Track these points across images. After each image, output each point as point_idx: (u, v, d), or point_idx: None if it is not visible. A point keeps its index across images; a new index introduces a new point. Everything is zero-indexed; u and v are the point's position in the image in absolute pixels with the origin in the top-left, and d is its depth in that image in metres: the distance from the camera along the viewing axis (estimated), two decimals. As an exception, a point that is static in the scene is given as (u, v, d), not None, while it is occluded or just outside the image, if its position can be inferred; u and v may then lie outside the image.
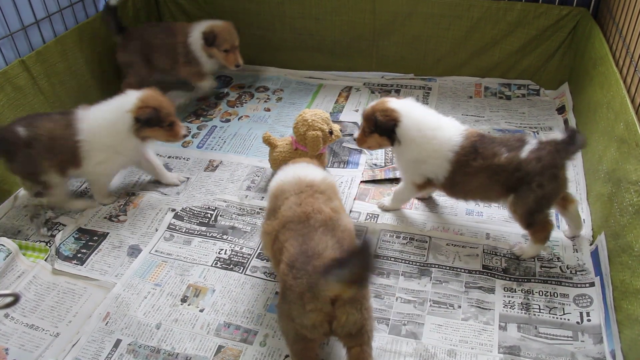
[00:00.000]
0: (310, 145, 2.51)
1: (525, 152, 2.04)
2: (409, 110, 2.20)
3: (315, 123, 2.51)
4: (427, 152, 2.17)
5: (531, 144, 2.06)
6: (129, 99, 2.41)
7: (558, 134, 2.06)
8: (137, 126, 2.40)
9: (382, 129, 2.22)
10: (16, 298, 1.78)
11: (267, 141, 2.66)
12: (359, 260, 1.45)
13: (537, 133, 2.97)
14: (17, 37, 2.76)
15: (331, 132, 2.56)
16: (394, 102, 2.22)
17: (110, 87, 3.32)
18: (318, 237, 1.69)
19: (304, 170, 1.99)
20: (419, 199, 2.58)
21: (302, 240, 1.70)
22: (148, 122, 2.40)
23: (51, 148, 2.39)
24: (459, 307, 2.05)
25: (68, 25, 3.08)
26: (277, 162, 2.62)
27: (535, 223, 2.14)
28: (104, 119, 2.41)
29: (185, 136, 2.57)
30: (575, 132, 2.05)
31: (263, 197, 2.63)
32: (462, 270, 2.20)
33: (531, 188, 2.05)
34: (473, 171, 2.12)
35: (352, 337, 1.64)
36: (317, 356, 1.73)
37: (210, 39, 3.13)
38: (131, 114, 2.37)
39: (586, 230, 2.34)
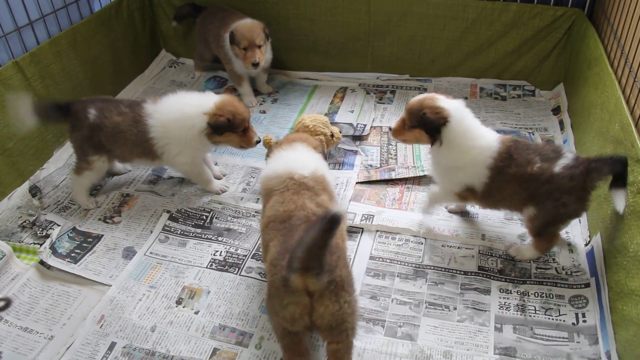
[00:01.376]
0: None
1: (558, 167, 2.00)
2: (459, 112, 2.10)
3: (317, 128, 2.50)
4: (467, 159, 2.10)
5: (566, 158, 2.01)
6: (207, 101, 2.42)
7: (600, 160, 2.00)
8: (209, 131, 2.41)
9: (428, 126, 2.11)
10: (7, 302, 1.78)
11: (268, 144, 2.64)
12: (302, 247, 1.49)
13: (533, 134, 2.97)
14: (10, 38, 2.74)
15: (332, 135, 2.55)
16: (444, 101, 2.12)
17: (104, 89, 3.32)
18: (298, 234, 1.68)
19: (294, 161, 1.96)
20: (451, 211, 2.51)
21: (283, 240, 1.72)
22: (220, 130, 2.40)
23: (114, 140, 2.47)
24: (455, 308, 2.05)
25: (62, 26, 3.06)
26: None
27: (545, 234, 2.14)
28: (181, 112, 2.41)
29: (258, 142, 2.53)
30: (615, 160, 1.98)
31: (258, 199, 2.63)
32: (458, 272, 2.20)
33: (555, 205, 2.02)
34: (508, 178, 2.07)
35: (333, 331, 1.64)
36: (306, 351, 1.72)
37: (231, 36, 3.10)
38: (206, 118, 2.38)
39: (582, 231, 2.34)
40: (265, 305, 1.77)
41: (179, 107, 2.42)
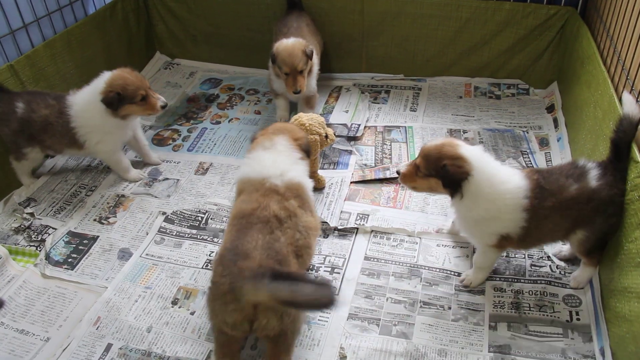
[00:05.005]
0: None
1: (594, 181, 1.90)
2: (482, 161, 1.90)
3: (312, 127, 2.50)
4: (499, 208, 1.90)
5: (594, 169, 1.92)
6: (100, 82, 2.53)
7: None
8: (107, 109, 2.51)
9: (449, 179, 1.91)
10: (0, 304, 1.78)
11: None
12: (312, 293, 1.49)
13: (527, 132, 2.98)
14: (5, 41, 2.74)
15: (326, 136, 2.56)
16: (465, 149, 1.91)
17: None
18: (251, 234, 1.68)
19: (269, 167, 1.89)
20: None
21: (236, 235, 1.70)
22: (113, 105, 2.49)
23: (44, 131, 2.57)
24: (449, 308, 2.06)
25: (57, 29, 3.06)
26: None
27: (598, 248, 2.03)
28: (88, 102, 2.53)
29: (163, 107, 2.61)
30: (620, 139, 1.92)
31: (254, 199, 2.63)
32: (452, 273, 2.21)
33: (605, 219, 1.92)
34: (547, 212, 1.91)
35: (271, 340, 1.67)
36: (238, 351, 1.76)
37: (273, 58, 2.91)
38: (101, 97, 2.49)
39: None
40: (205, 302, 1.76)
41: (87, 95, 2.55)
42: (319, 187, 2.67)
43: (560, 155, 2.77)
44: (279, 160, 1.92)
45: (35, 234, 2.49)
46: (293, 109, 3.22)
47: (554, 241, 2.12)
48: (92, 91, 2.53)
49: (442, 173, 1.90)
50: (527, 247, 2.12)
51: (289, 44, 2.87)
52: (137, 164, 2.90)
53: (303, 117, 2.54)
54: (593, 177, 1.91)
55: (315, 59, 3.03)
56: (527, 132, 2.99)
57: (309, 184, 1.98)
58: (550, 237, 2.05)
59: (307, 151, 2.06)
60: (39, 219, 2.57)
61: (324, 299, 1.49)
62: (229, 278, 1.59)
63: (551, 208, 1.90)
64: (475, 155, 1.90)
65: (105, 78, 2.53)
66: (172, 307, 2.12)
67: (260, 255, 1.62)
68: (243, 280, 1.55)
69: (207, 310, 1.73)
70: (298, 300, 1.52)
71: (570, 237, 2.00)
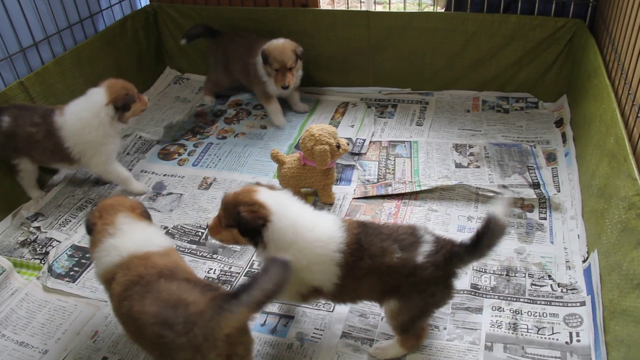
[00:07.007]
0: (318, 159, 2.51)
1: (421, 256, 1.70)
2: (283, 207, 1.76)
3: (322, 137, 2.51)
4: (308, 257, 1.73)
5: (427, 243, 1.73)
6: (98, 94, 2.62)
7: (462, 241, 1.74)
8: (119, 113, 2.64)
9: (244, 227, 1.75)
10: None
11: (275, 158, 2.66)
12: (275, 274, 1.48)
13: (534, 147, 2.92)
14: (15, 59, 2.82)
15: (338, 146, 2.55)
16: (262, 195, 1.77)
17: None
18: (165, 286, 1.59)
19: (128, 246, 1.77)
20: None
21: (151, 296, 1.57)
22: (127, 106, 2.64)
23: (31, 148, 2.63)
24: (444, 328, 2.02)
25: (67, 46, 3.14)
26: (286, 179, 2.64)
27: (412, 330, 1.85)
28: (82, 119, 2.59)
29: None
30: (485, 232, 1.66)
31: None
32: (450, 289, 2.17)
33: (422, 297, 1.75)
34: (363, 273, 1.74)
35: None
36: None
37: (264, 56, 3.11)
38: (111, 105, 2.59)
39: (580, 247, 2.29)
40: None
41: (80, 116, 2.59)
42: (327, 202, 2.67)
43: (567, 170, 2.71)
44: (135, 238, 1.80)
45: (40, 246, 2.54)
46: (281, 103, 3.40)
47: (371, 300, 1.94)
48: (89, 107, 2.60)
49: (238, 220, 1.74)
50: (341, 302, 1.92)
51: (280, 43, 3.12)
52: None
53: (314, 127, 2.55)
54: (423, 252, 1.71)
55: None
56: (535, 147, 2.93)
57: (172, 245, 1.89)
58: (367, 297, 1.89)
59: (148, 216, 1.96)
60: (45, 232, 2.62)
61: (284, 268, 1.49)
62: (196, 329, 1.47)
63: (368, 269, 1.72)
64: (275, 200, 1.76)
65: (100, 90, 2.63)
66: (168, 321, 2.13)
67: (192, 294, 1.54)
68: (211, 319, 1.46)
69: None
70: (273, 290, 1.47)
71: (383, 303, 1.82)
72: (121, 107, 2.62)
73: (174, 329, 1.48)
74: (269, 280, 1.48)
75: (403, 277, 1.71)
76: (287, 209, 1.76)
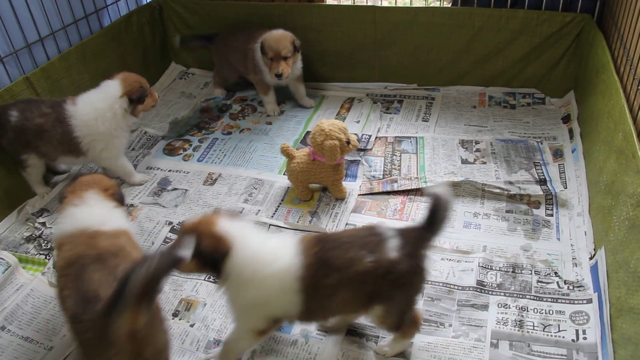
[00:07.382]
0: (328, 154, 2.50)
1: (393, 251, 1.67)
2: (244, 238, 1.68)
3: (332, 132, 2.50)
4: (269, 292, 1.68)
5: (393, 238, 1.70)
6: (112, 87, 2.65)
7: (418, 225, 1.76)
8: (134, 105, 2.67)
9: (205, 258, 1.65)
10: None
11: (285, 152, 2.65)
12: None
13: (541, 143, 2.90)
14: (21, 54, 2.82)
15: (348, 142, 2.54)
16: (223, 225, 1.67)
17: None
18: (89, 275, 1.60)
19: (86, 219, 1.81)
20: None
21: (76, 283, 1.60)
22: (142, 98, 2.69)
23: (39, 138, 2.61)
24: (450, 325, 2.01)
25: (72, 41, 3.13)
26: (295, 174, 2.63)
27: (406, 321, 1.83)
28: (96, 110, 2.60)
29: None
30: (435, 210, 1.71)
31: (259, 211, 2.63)
32: (456, 287, 2.15)
33: (405, 291, 1.73)
34: (331, 290, 1.69)
35: None
36: None
37: (261, 46, 3.15)
38: (125, 97, 2.62)
39: (587, 244, 2.27)
40: None
41: (94, 106, 2.61)
42: (340, 197, 2.67)
43: (574, 167, 2.69)
44: (94, 213, 1.84)
45: (45, 242, 2.54)
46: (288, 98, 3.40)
47: (351, 314, 1.93)
48: (103, 98, 2.62)
49: (198, 253, 1.63)
50: (316, 320, 1.92)
51: (277, 33, 3.16)
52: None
53: (324, 122, 2.55)
54: (392, 247, 1.68)
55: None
56: (541, 143, 2.91)
57: (132, 229, 1.91)
58: (343, 313, 1.87)
59: (120, 199, 1.98)
60: (50, 227, 2.63)
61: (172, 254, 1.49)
62: (97, 326, 1.48)
63: (337, 285, 1.67)
64: (237, 231, 1.67)
65: (115, 82, 2.65)
66: (173, 319, 2.13)
67: (108, 290, 1.51)
68: (104, 319, 1.45)
69: None
70: (157, 272, 1.42)
71: (369, 311, 1.78)
72: (136, 99, 2.65)
73: (83, 323, 1.52)
74: (155, 263, 1.42)
75: (381, 279, 1.67)
76: (249, 242, 1.68)
